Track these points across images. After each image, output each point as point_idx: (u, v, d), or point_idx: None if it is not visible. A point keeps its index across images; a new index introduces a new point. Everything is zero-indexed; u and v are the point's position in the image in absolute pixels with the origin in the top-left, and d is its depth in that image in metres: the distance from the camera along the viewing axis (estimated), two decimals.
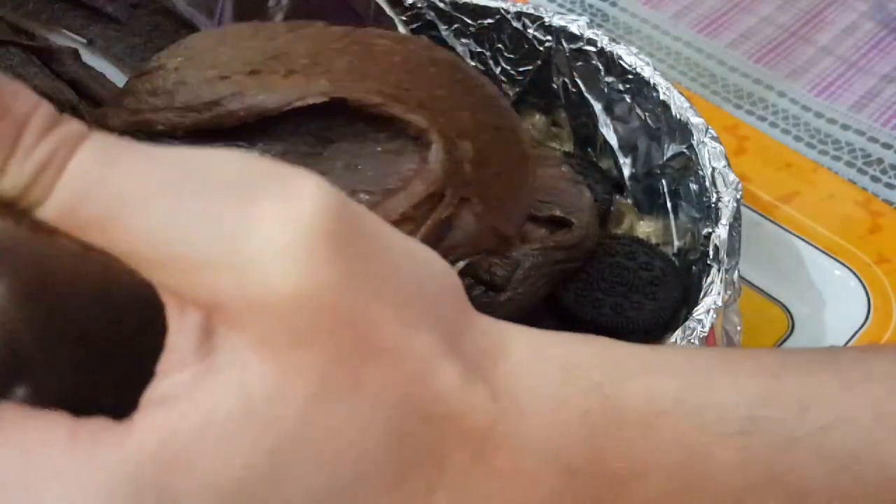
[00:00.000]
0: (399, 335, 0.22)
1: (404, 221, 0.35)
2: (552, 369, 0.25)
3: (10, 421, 0.21)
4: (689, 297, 0.45)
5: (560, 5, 0.72)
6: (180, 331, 0.21)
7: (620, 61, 0.50)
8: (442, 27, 0.54)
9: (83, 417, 0.21)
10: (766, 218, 0.56)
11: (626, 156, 0.52)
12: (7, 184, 0.20)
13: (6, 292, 0.22)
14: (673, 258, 0.49)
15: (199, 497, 0.20)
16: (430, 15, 0.54)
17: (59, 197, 0.20)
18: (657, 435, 0.24)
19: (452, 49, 0.55)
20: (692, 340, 0.38)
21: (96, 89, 0.43)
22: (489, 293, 0.42)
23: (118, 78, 0.45)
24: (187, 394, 0.21)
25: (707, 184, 0.45)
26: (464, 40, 0.54)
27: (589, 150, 0.54)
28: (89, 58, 0.45)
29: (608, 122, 0.52)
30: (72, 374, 0.23)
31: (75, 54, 0.43)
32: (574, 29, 0.51)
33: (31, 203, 0.20)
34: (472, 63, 0.55)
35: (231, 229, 0.20)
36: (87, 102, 0.42)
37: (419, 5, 0.53)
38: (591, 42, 0.51)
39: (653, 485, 0.24)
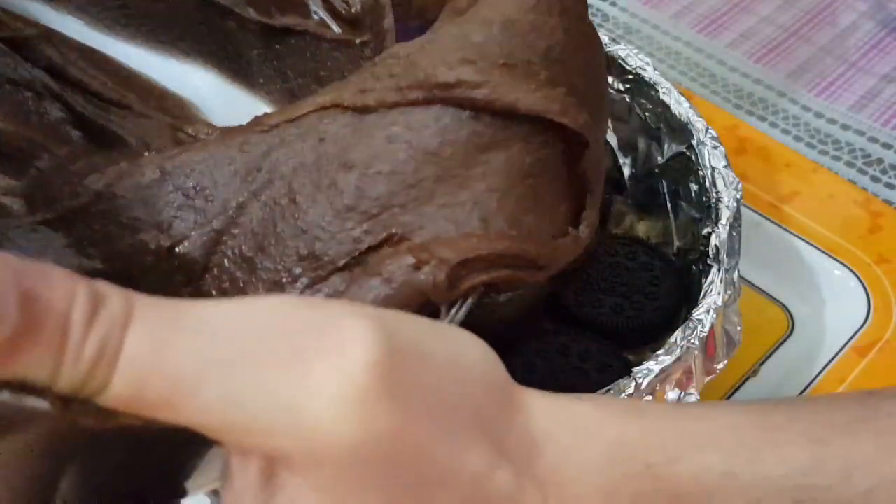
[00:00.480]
0: (452, 460, 0.23)
1: None
2: (601, 455, 0.25)
3: None
4: (689, 297, 0.45)
5: None
6: (243, 474, 0.23)
7: (620, 61, 0.50)
8: None
9: None
10: (766, 218, 0.56)
11: (626, 156, 0.52)
12: (63, 384, 0.20)
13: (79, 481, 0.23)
14: (673, 258, 0.49)
15: None
16: None
17: (116, 389, 0.21)
18: None
19: None
20: (692, 340, 0.38)
21: (74, 73, 0.41)
22: (490, 295, 0.42)
23: (87, 33, 0.43)
24: None
25: (707, 184, 0.45)
26: None
27: None
28: (53, 16, 0.43)
29: (608, 121, 0.52)
30: (121, 468, 0.24)
31: (46, 36, 0.41)
32: None
33: (90, 394, 0.21)
34: None
35: (288, 398, 0.21)
36: (69, 89, 0.41)
37: None
38: None
39: None
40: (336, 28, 0.43)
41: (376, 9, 0.42)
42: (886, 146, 0.63)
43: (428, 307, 0.31)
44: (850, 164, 0.62)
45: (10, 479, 0.22)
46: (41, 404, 0.20)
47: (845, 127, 0.65)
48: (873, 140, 0.64)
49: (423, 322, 0.25)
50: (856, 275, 0.54)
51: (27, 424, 0.21)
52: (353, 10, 0.43)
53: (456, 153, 0.34)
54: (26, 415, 0.21)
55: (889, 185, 0.61)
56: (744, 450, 0.26)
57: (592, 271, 0.47)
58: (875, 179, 0.61)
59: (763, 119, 0.66)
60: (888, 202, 0.59)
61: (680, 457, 0.26)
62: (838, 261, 0.54)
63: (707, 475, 0.26)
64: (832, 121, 0.65)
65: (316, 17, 0.44)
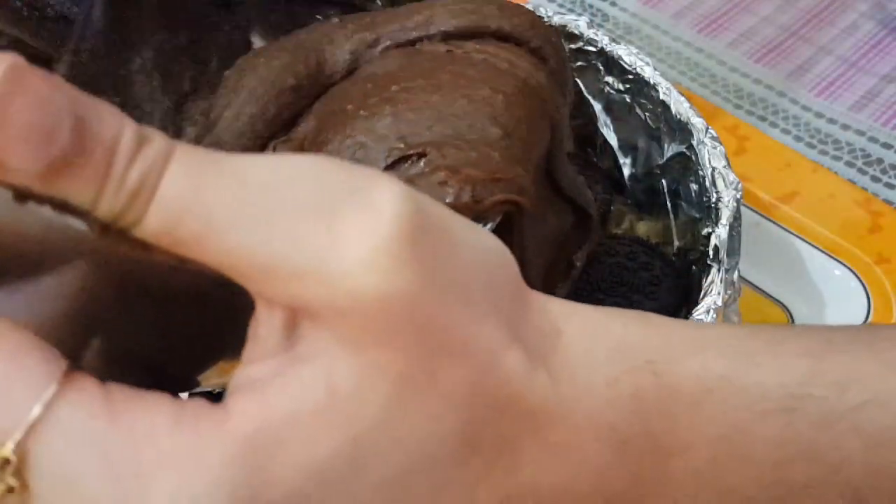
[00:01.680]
0: (469, 331, 0.24)
1: None
2: (606, 349, 0.26)
3: (121, 402, 0.22)
4: (689, 297, 0.45)
5: (560, 5, 0.72)
6: (268, 323, 0.23)
7: (620, 61, 0.50)
8: None
9: (183, 401, 0.23)
10: (766, 218, 0.56)
11: (626, 156, 0.52)
12: (103, 210, 0.21)
13: (100, 278, 0.23)
14: (673, 258, 0.49)
15: (290, 478, 0.22)
16: None
17: (153, 220, 0.21)
18: (703, 411, 0.26)
19: None
20: None
21: (80, 31, 0.43)
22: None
23: None
24: (276, 381, 0.23)
25: (707, 184, 0.45)
26: None
27: (589, 150, 0.54)
28: None
29: (608, 122, 0.52)
30: (147, 336, 0.25)
31: None
32: (574, 29, 0.51)
33: (127, 224, 0.22)
34: None
35: (317, 245, 0.22)
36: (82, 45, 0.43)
37: None
38: (590, 42, 0.51)
39: (697, 456, 0.26)
40: None
41: None
42: (886, 146, 0.63)
43: None
44: (850, 164, 0.62)
45: (50, 319, 0.23)
46: (80, 225, 0.22)
47: (845, 127, 0.65)
48: (873, 140, 0.64)
49: (451, 211, 0.26)
50: (856, 275, 0.54)
51: (67, 252, 0.22)
52: None
53: None
54: (67, 240, 0.22)
55: (889, 185, 0.61)
56: (743, 356, 0.27)
57: (592, 271, 0.47)
58: (875, 179, 0.61)
59: (763, 119, 0.66)
60: (888, 202, 0.59)
61: (680, 357, 0.27)
62: (838, 261, 0.54)
63: (704, 375, 0.26)
64: (832, 121, 0.65)
65: None
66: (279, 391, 0.23)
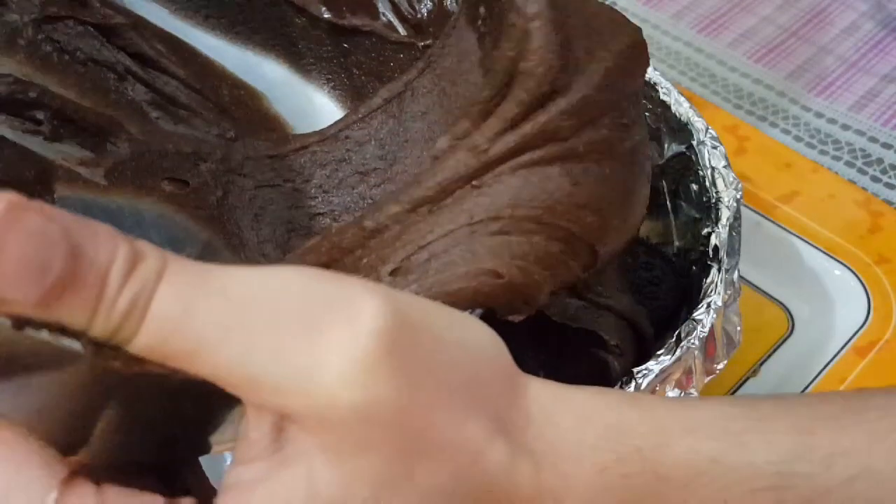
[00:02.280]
0: (450, 429, 0.25)
1: None
2: (596, 436, 0.27)
3: (114, 500, 0.24)
4: (689, 297, 0.45)
5: None
6: (257, 426, 0.24)
7: None
8: None
9: (175, 499, 0.25)
10: (766, 218, 0.56)
11: None
12: (96, 331, 0.22)
13: (98, 380, 0.24)
14: (673, 258, 0.49)
15: None
16: None
17: (143, 339, 0.23)
18: (695, 493, 0.27)
19: None
20: (692, 340, 0.38)
21: (155, 58, 0.44)
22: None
23: (170, 21, 0.46)
24: (262, 484, 0.24)
25: (707, 184, 0.45)
26: None
27: None
28: (140, 3, 0.46)
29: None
30: (153, 419, 0.26)
31: (132, 23, 0.44)
32: None
33: (119, 342, 0.23)
34: None
35: (298, 360, 0.23)
36: (150, 72, 0.43)
37: None
38: None
39: None
40: (402, 30, 0.46)
41: (440, 14, 0.45)
42: (886, 146, 0.63)
43: None
44: (850, 164, 0.62)
45: (49, 413, 0.24)
46: (75, 345, 0.23)
47: (845, 127, 0.65)
48: (873, 140, 0.64)
49: (436, 305, 0.27)
50: (856, 275, 0.54)
51: (62, 363, 0.23)
52: (418, 15, 0.45)
53: None
54: (62, 354, 0.23)
55: (889, 185, 0.61)
56: (730, 436, 0.28)
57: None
58: (875, 179, 0.61)
59: (763, 119, 0.66)
60: (888, 202, 0.59)
61: (669, 441, 0.27)
62: (838, 261, 0.54)
63: (693, 458, 0.27)
64: (832, 121, 0.65)
65: (384, 18, 0.46)
66: (264, 494, 0.24)
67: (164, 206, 0.41)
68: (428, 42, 0.45)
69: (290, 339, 0.23)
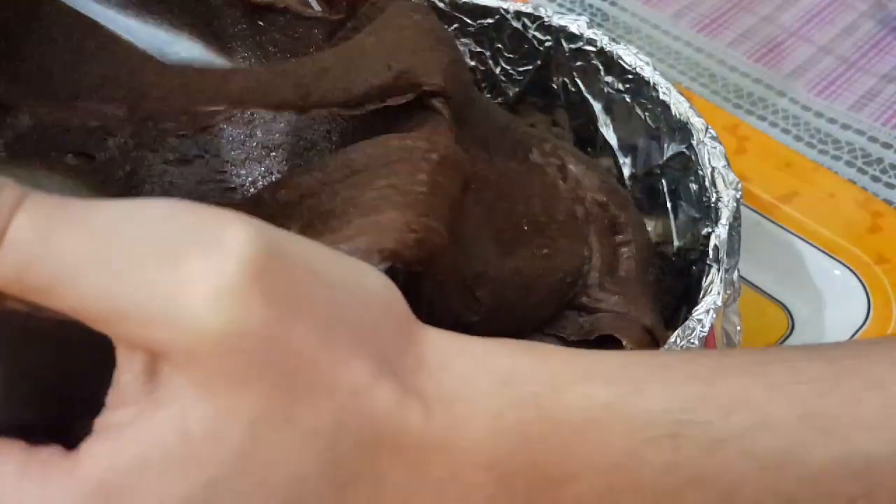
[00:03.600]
0: (330, 366, 0.24)
1: None
2: (491, 382, 0.26)
3: None
4: (689, 297, 0.45)
5: (560, 5, 0.72)
6: (128, 368, 0.23)
7: (620, 61, 0.50)
8: None
9: (35, 446, 0.23)
10: (766, 218, 0.56)
11: (625, 156, 0.52)
12: None
13: None
14: (673, 258, 0.49)
15: None
16: None
17: (1, 269, 0.22)
18: (589, 440, 0.26)
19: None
20: (692, 340, 0.38)
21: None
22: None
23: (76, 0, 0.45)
24: (130, 427, 0.23)
25: (707, 184, 0.45)
26: (463, 40, 0.54)
27: (589, 149, 0.54)
28: None
29: (608, 121, 0.52)
30: (19, 406, 0.25)
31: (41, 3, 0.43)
32: (574, 29, 0.51)
33: None
34: (472, 63, 0.55)
35: (164, 288, 0.22)
36: None
37: None
38: (590, 42, 0.51)
39: (585, 485, 0.26)
40: (315, 6, 0.46)
41: None
42: (886, 146, 0.63)
43: None
44: (850, 164, 0.62)
45: None
46: None
47: (845, 127, 0.65)
48: (873, 140, 0.64)
49: (322, 245, 0.26)
50: (856, 275, 0.54)
51: None
52: None
53: None
54: None
55: (889, 185, 0.61)
56: (627, 382, 0.27)
57: None
58: (875, 179, 0.61)
59: (763, 119, 0.66)
60: (888, 202, 0.59)
61: (565, 387, 0.27)
62: (838, 261, 0.54)
63: (589, 405, 0.27)
64: (832, 120, 0.65)
65: None
66: (131, 436, 0.23)
67: (68, 180, 0.40)
68: (341, 16, 0.45)
69: (155, 267, 0.22)
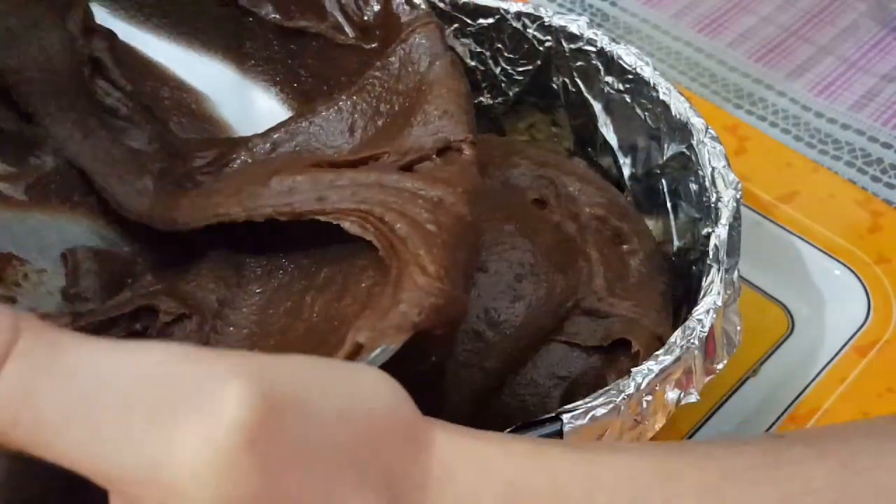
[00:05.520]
0: None
1: None
2: (494, 493, 0.26)
3: None
4: (689, 297, 0.45)
5: (560, 5, 0.72)
6: None
7: (620, 61, 0.50)
8: None
9: None
10: (766, 218, 0.56)
11: (625, 155, 0.52)
12: None
13: None
14: (673, 258, 0.49)
15: None
16: None
17: None
18: None
19: (451, 49, 0.54)
20: (692, 340, 0.38)
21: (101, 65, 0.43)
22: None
23: (109, 20, 0.45)
24: None
25: (707, 184, 0.45)
26: (464, 40, 0.54)
27: (589, 149, 0.54)
28: None
29: (608, 121, 0.52)
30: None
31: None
32: (574, 29, 0.51)
33: None
34: (472, 63, 0.55)
35: (151, 452, 0.22)
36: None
37: None
38: (590, 42, 0.51)
39: None
40: (349, 32, 0.45)
41: (387, 17, 0.44)
42: (886, 146, 0.63)
43: None
44: (850, 164, 0.62)
45: None
46: None
47: (845, 127, 0.65)
48: (873, 140, 0.64)
49: (320, 368, 0.25)
50: (856, 275, 0.54)
51: None
52: (365, 17, 0.45)
53: None
54: None
55: (889, 185, 0.61)
56: (634, 500, 0.27)
57: None
58: (875, 179, 0.61)
59: (763, 119, 0.66)
60: (888, 202, 0.59)
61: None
62: (838, 261, 0.54)
63: None
64: (832, 120, 0.65)
65: (331, 20, 0.45)
66: None
67: (93, 224, 0.40)
68: (374, 45, 0.44)
69: (140, 428, 0.22)
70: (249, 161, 0.41)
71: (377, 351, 0.29)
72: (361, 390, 0.26)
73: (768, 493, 0.27)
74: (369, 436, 0.25)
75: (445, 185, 0.35)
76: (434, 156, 0.37)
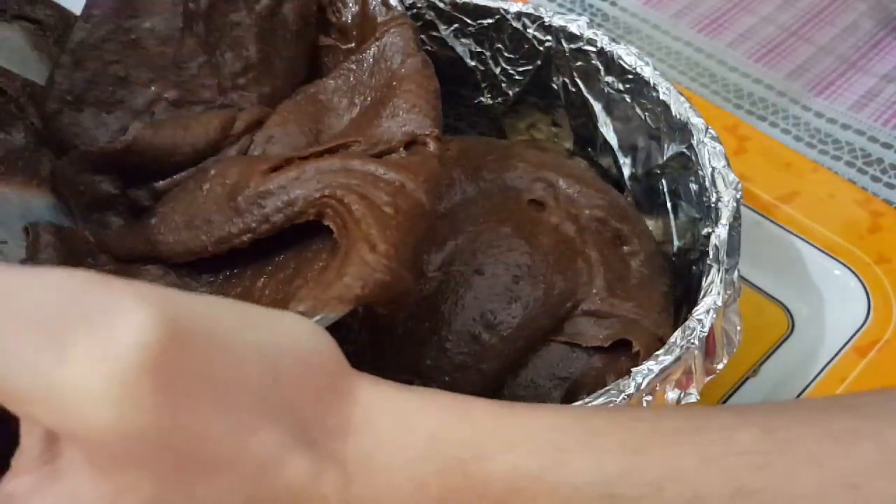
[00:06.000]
0: (231, 441, 0.23)
1: None
2: (416, 444, 0.26)
3: None
4: (689, 297, 0.45)
5: (560, 5, 0.72)
6: (29, 433, 0.23)
7: (620, 61, 0.50)
8: (442, 27, 0.54)
9: None
10: (766, 218, 0.56)
11: (625, 155, 0.52)
12: None
13: None
14: (673, 258, 0.49)
15: None
16: (430, 15, 0.54)
17: None
18: None
19: (452, 49, 0.54)
20: (692, 340, 0.38)
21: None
22: None
23: None
24: (28, 498, 0.23)
25: (707, 184, 0.45)
26: (464, 40, 0.54)
27: (589, 149, 0.54)
28: None
29: (608, 121, 0.52)
30: None
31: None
32: (574, 29, 0.51)
33: None
34: (472, 63, 0.55)
35: (44, 371, 0.21)
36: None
37: (419, 5, 0.53)
38: (590, 42, 0.51)
39: None
40: (329, 33, 0.46)
41: (364, 19, 0.45)
42: (886, 146, 0.63)
43: None
44: (850, 164, 0.62)
45: None
46: None
47: (845, 127, 0.65)
48: (873, 140, 0.64)
49: (235, 306, 0.25)
50: (856, 275, 0.54)
51: None
52: (343, 19, 0.45)
53: None
54: None
55: (889, 185, 0.61)
56: (556, 453, 0.26)
57: None
58: (875, 179, 0.61)
59: (763, 119, 0.66)
60: (888, 202, 0.59)
61: (492, 455, 0.26)
62: (838, 261, 0.54)
63: (515, 475, 0.26)
64: (832, 121, 0.65)
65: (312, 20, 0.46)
66: None
67: (54, 204, 0.40)
68: (351, 45, 0.45)
69: (39, 348, 0.21)
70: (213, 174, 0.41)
71: (316, 318, 0.30)
72: (280, 333, 0.25)
73: (689, 453, 0.27)
74: (285, 378, 0.24)
75: (408, 172, 0.36)
76: (401, 149, 0.38)
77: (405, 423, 0.26)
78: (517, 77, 0.54)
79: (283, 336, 0.25)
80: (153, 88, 0.42)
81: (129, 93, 0.42)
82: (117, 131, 0.42)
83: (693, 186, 0.47)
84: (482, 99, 0.56)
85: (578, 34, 0.51)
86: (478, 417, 0.27)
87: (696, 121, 0.47)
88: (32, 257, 0.37)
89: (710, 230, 0.43)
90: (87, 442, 0.22)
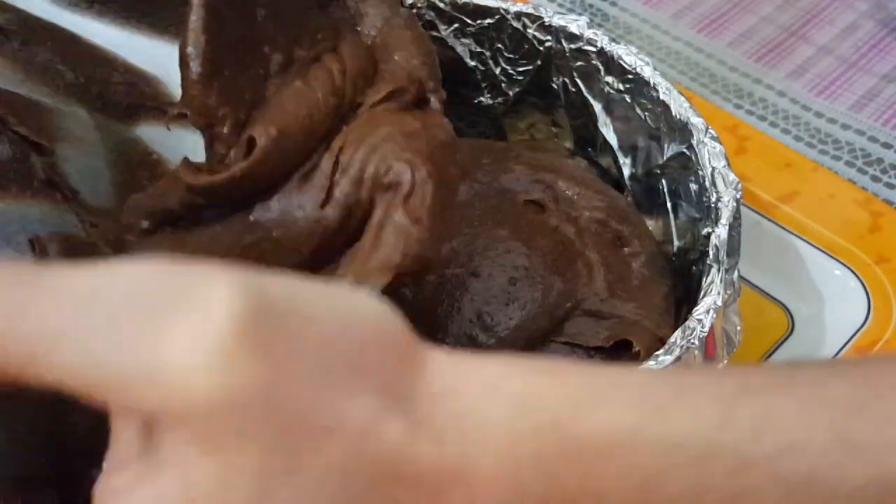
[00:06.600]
0: (331, 408, 0.23)
1: None
2: (506, 406, 0.26)
3: None
4: (689, 297, 0.45)
5: (560, 5, 0.72)
6: (124, 429, 0.23)
7: (620, 61, 0.50)
8: (442, 27, 0.54)
9: None
10: (766, 218, 0.56)
11: (625, 155, 0.52)
12: None
13: None
14: (673, 258, 0.49)
15: None
16: (430, 15, 0.54)
17: None
18: (614, 462, 0.26)
19: (452, 49, 0.54)
20: (692, 340, 0.38)
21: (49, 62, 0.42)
22: None
23: (52, 11, 0.44)
24: (136, 491, 0.22)
25: (707, 184, 0.45)
26: (464, 40, 0.54)
27: (589, 149, 0.54)
28: None
29: (608, 121, 0.52)
30: (17, 463, 0.25)
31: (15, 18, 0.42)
32: (574, 29, 0.51)
33: None
34: (472, 63, 0.55)
35: (144, 353, 0.22)
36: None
37: (419, 5, 0.53)
38: (590, 42, 0.51)
39: None
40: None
41: None
42: (886, 146, 0.63)
43: None
44: (850, 164, 0.62)
45: None
46: None
47: (845, 127, 0.65)
48: (873, 140, 0.64)
49: (309, 284, 0.25)
50: (856, 275, 0.54)
51: None
52: None
53: None
54: None
55: (889, 185, 0.61)
56: (651, 406, 0.26)
57: None
58: (875, 179, 0.61)
59: (763, 119, 0.66)
60: (888, 202, 0.59)
61: (587, 412, 0.26)
62: (838, 261, 0.54)
63: (613, 429, 0.26)
64: (832, 121, 0.65)
65: None
66: (138, 501, 0.22)
67: (54, 206, 0.39)
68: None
69: (133, 333, 0.22)
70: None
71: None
72: (357, 304, 0.26)
73: (783, 403, 0.27)
74: (369, 344, 0.25)
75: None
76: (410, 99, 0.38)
77: (490, 385, 0.26)
78: (517, 77, 0.54)
79: (360, 309, 0.25)
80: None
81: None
82: None
83: (693, 186, 0.47)
84: (482, 99, 0.56)
85: (578, 34, 0.51)
86: (566, 377, 0.27)
87: (696, 121, 0.47)
88: None
89: (710, 230, 0.43)
90: (193, 418, 0.22)
